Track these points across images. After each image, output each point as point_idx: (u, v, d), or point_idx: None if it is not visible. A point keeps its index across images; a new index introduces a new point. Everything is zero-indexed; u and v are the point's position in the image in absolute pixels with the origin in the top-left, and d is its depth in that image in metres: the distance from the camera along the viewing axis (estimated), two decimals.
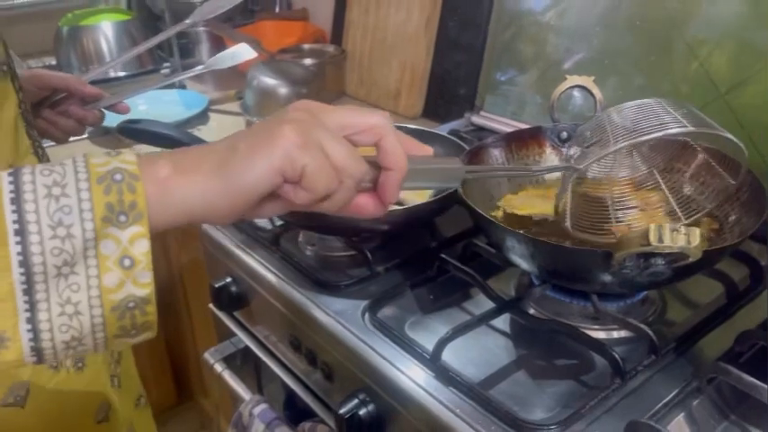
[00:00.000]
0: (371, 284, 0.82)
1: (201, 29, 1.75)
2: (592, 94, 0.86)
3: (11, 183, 0.38)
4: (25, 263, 0.37)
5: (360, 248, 0.85)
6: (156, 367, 1.41)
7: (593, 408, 0.61)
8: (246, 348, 0.96)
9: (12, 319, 0.38)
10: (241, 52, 1.02)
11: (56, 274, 0.38)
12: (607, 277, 0.64)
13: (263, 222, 0.98)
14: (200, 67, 1.05)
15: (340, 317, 0.76)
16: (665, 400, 0.62)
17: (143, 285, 0.40)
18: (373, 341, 0.72)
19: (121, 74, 1.62)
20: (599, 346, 0.67)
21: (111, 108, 0.87)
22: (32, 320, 0.38)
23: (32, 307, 0.38)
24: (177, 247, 1.28)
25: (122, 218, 0.39)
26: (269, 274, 0.86)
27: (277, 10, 1.83)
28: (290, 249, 0.90)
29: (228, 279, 0.94)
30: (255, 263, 0.88)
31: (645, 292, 0.76)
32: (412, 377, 0.67)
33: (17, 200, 0.37)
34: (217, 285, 0.93)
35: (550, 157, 0.89)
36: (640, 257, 0.60)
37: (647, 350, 0.67)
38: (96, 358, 0.71)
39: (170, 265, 1.31)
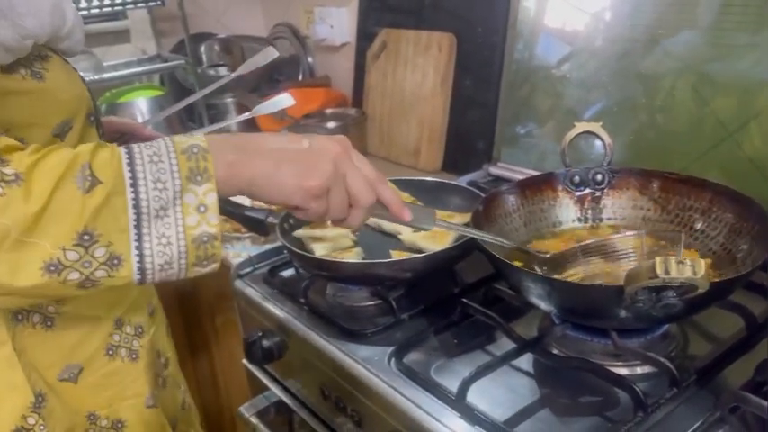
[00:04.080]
0: (397, 331, 0.84)
1: (229, 100, 1.85)
2: (601, 139, 0.90)
3: (126, 153, 0.55)
4: (137, 206, 0.54)
5: (384, 297, 0.88)
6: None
7: None
8: (279, 401, 0.98)
9: (126, 245, 0.54)
10: (282, 100, 1.15)
11: (155, 216, 0.54)
12: (622, 312, 0.66)
13: (291, 276, 1.02)
14: (247, 114, 1.18)
15: (367, 363, 0.79)
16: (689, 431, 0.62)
17: (213, 225, 0.56)
18: (400, 386, 0.74)
19: None
20: (620, 381, 0.68)
21: None
22: (139, 248, 0.55)
23: (139, 238, 0.54)
24: (211, 309, 1.32)
25: (198, 178, 0.55)
26: (298, 326, 0.89)
27: (300, 78, 1.92)
28: (317, 301, 0.93)
29: (260, 333, 0.97)
30: (285, 315, 0.92)
31: (665, 328, 0.77)
32: (439, 418, 0.69)
33: (131, 163, 0.54)
34: (249, 340, 0.96)
35: (564, 201, 0.92)
36: (652, 291, 0.62)
37: (669, 383, 0.68)
38: (149, 357, 0.78)
39: (204, 328, 1.35)
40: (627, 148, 1.07)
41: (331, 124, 1.55)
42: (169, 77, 1.95)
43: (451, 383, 0.72)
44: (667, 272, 0.57)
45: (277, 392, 0.98)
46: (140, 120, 1.71)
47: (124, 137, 0.98)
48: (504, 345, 0.79)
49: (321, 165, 0.60)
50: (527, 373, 0.76)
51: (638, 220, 0.89)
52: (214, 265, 0.59)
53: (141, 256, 0.55)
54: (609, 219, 0.91)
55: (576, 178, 0.92)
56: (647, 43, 1.05)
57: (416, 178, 1.07)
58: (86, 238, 0.53)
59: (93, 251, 0.53)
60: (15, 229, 0.51)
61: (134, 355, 0.76)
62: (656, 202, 0.88)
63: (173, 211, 0.55)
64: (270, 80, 1.92)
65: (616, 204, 0.91)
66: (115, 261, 0.54)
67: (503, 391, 0.73)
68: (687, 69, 1.00)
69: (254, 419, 0.99)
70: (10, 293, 0.54)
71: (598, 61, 1.13)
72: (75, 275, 0.54)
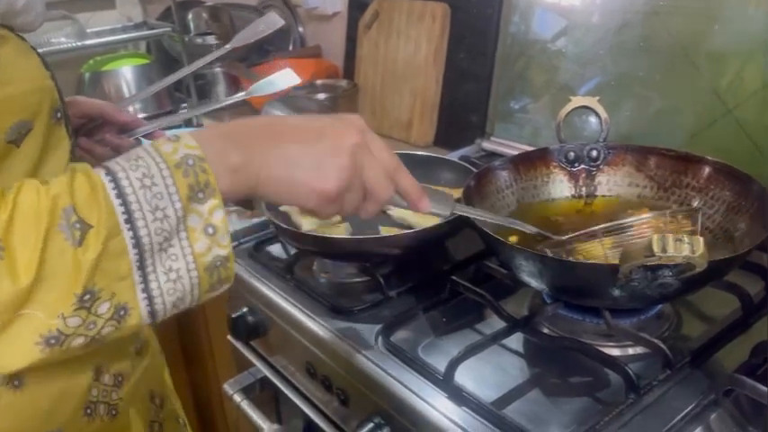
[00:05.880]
0: (384, 309, 0.82)
1: (218, 70, 1.80)
2: (597, 114, 0.88)
3: (111, 181, 0.45)
4: (138, 245, 0.45)
5: (372, 273, 0.86)
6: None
7: (607, 423, 0.60)
8: (265, 378, 0.97)
9: (131, 292, 0.46)
10: (285, 78, 0.97)
11: (159, 250, 0.46)
12: (616, 291, 0.64)
13: (277, 252, 0.99)
14: (241, 94, 1.02)
15: (354, 342, 0.77)
16: (681, 414, 0.61)
17: (224, 246, 0.49)
18: (387, 364, 0.72)
19: (141, 115, 1.66)
20: (612, 362, 0.67)
21: (148, 137, 0.85)
22: (146, 290, 0.47)
23: (145, 279, 0.46)
24: None
25: (200, 194, 0.47)
26: (283, 302, 0.87)
27: (291, 48, 1.87)
28: (303, 277, 0.91)
29: (245, 309, 0.95)
30: (270, 291, 0.89)
31: (659, 308, 0.75)
32: (426, 399, 0.67)
33: (121, 194, 0.45)
34: (234, 316, 0.94)
35: (558, 178, 0.90)
36: (648, 270, 0.60)
37: (662, 365, 0.66)
38: (129, 407, 0.67)
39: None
40: (622, 124, 1.04)
41: (321, 96, 1.51)
42: (155, 45, 1.90)
43: (439, 363, 0.70)
44: (664, 250, 0.55)
45: (262, 369, 0.96)
46: (126, 91, 1.67)
47: (93, 122, 0.83)
48: (494, 323, 0.77)
49: (338, 161, 0.51)
50: (517, 353, 0.74)
51: (634, 197, 0.87)
52: (227, 285, 0.51)
53: (150, 298, 0.47)
54: (603, 196, 0.89)
55: (571, 154, 0.90)
56: (647, 16, 1.02)
57: (407, 152, 1.05)
58: (87, 297, 0.44)
59: (96, 309, 0.45)
60: (4, 313, 0.43)
61: (113, 411, 0.64)
62: (651, 179, 0.86)
63: (177, 240, 0.47)
64: (259, 50, 1.88)
65: (611, 181, 0.89)
66: (122, 312, 0.46)
67: (491, 370, 0.71)
68: (686, 42, 0.98)
69: (238, 396, 0.97)
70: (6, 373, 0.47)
71: (595, 35, 1.10)
72: (79, 341, 0.46)
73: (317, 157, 0.51)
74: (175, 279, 0.47)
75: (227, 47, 1.02)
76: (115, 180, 0.45)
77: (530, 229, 0.73)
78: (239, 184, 0.50)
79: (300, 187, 0.51)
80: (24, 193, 0.44)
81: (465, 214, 0.69)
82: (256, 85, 0.98)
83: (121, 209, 0.45)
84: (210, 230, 0.48)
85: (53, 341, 0.44)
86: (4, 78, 0.52)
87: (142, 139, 0.86)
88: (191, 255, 0.47)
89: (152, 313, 0.48)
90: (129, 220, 0.45)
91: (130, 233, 0.45)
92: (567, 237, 0.72)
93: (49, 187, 0.45)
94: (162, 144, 0.48)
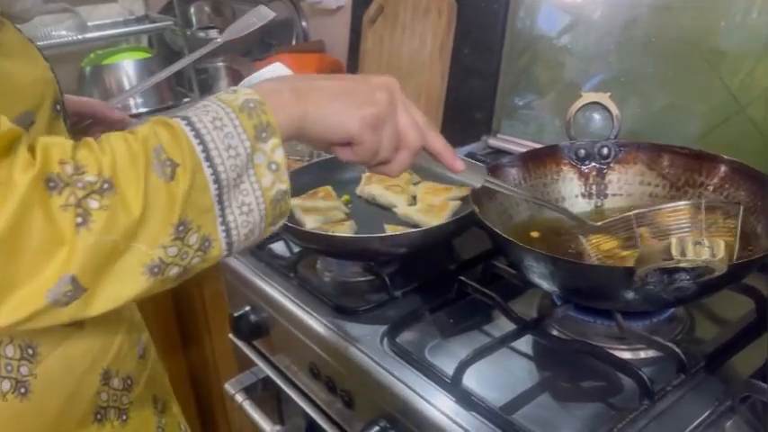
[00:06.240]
0: (390, 309, 0.81)
1: (220, 64, 1.78)
2: (608, 111, 0.86)
3: (187, 125, 0.48)
4: (217, 180, 0.48)
5: (377, 273, 0.84)
6: (179, 399, 1.40)
7: (621, 430, 0.59)
8: (267, 378, 0.95)
9: (213, 224, 0.49)
10: (275, 72, 1.00)
11: (234, 185, 0.49)
12: (630, 294, 0.62)
13: (280, 250, 0.98)
14: (233, 88, 1.03)
15: (358, 343, 0.75)
16: (697, 422, 0.59)
17: (284, 181, 0.52)
18: (393, 367, 0.71)
19: (143, 109, 1.65)
20: (625, 366, 0.65)
21: None
22: (224, 223, 0.50)
23: (223, 212, 0.49)
24: (200, 280, 1.28)
25: (264, 134, 0.50)
26: (287, 302, 0.85)
27: (294, 42, 1.85)
28: (307, 276, 0.89)
29: (247, 308, 0.93)
30: (273, 290, 0.88)
31: (672, 310, 0.73)
32: (433, 403, 0.66)
33: (198, 135, 0.48)
34: (236, 315, 0.93)
35: (568, 176, 0.88)
36: (664, 273, 0.58)
37: (676, 369, 0.64)
38: (141, 411, 0.67)
39: (193, 300, 1.31)
40: (630, 121, 1.02)
41: None
42: (157, 39, 1.88)
43: (447, 365, 0.68)
44: (683, 253, 0.53)
45: (264, 369, 0.95)
46: (127, 85, 1.65)
47: (84, 121, 0.82)
48: (503, 324, 0.75)
49: (377, 93, 0.55)
50: (526, 356, 0.72)
51: (645, 196, 0.85)
52: (283, 220, 0.55)
53: (228, 230, 0.50)
54: (614, 195, 0.87)
55: (582, 152, 0.87)
56: (656, 11, 1.00)
57: None
58: (181, 228, 0.47)
59: (188, 240, 0.48)
60: (122, 241, 0.45)
61: (124, 416, 0.63)
62: (664, 177, 0.84)
63: (247, 176, 0.50)
64: (262, 44, 1.86)
65: (622, 180, 0.87)
66: (206, 244, 0.49)
67: (500, 373, 0.69)
68: (698, 38, 0.95)
69: (240, 396, 0.95)
70: (117, 305, 0.47)
71: (602, 30, 1.08)
72: (174, 270, 0.49)
73: (357, 89, 0.55)
74: (247, 212, 0.50)
75: (219, 40, 1.01)
76: (191, 124, 0.48)
77: (564, 212, 0.73)
78: (292, 118, 0.53)
79: (344, 111, 0.54)
80: (115, 139, 0.47)
81: (496, 187, 0.69)
82: (246, 80, 1.00)
83: (200, 147, 0.48)
84: (273, 167, 0.51)
85: (156, 270, 0.47)
86: (12, 67, 0.53)
87: None
88: (259, 189, 0.50)
89: (229, 244, 0.51)
90: (208, 158, 0.48)
91: (210, 170, 0.48)
92: (601, 223, 0.70)
93: (135, 134, 0.48)
94: (223, 93, 0.52)
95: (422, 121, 0.59)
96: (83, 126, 0.83)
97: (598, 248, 0.71)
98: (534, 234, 0.77)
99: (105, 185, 0.45)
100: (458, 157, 0.62)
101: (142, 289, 0.47)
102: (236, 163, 0.49)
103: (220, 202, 0.49)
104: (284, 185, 0.52)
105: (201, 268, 0.51)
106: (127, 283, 0.47)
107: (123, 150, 0.46)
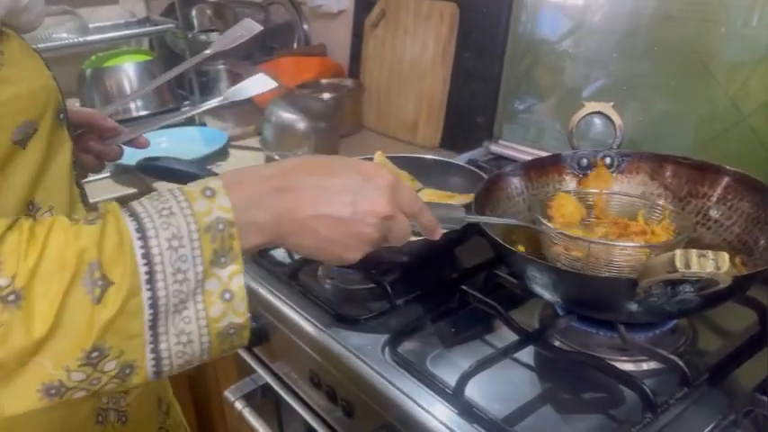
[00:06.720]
0: (391, 318, 0.80)
1: (221, 66, 1.78)
2: (611, 120, 0.85)
3: (139, 238, 0.44)
4: (154, 305, 0.44)
5: (379, 281, 0.84)
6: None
7: None
8: (267, 385, 0.95)
9: (140, 351, 0.44)
10: (259, 83, 0.98)
11: (173, 311, 0.45)
12: (633, 306, 0.62)
13: (281, 256, 0.97)
14: (217, 99, 1.01)
15: (359, 352, 0.75)
16: None
17: (240, 314, 0.47)
18: (394, 376, 0.70)
19: (143, 112, 1.64)
20: (628, 378, 0.65)
21: (131, 143, 0.85)
22: (155, 350, 0.45)
23: (155, 339, 0.45)
24: None
25: (223, 259, 0.46)
26: (287, 309, 0.85)
27: (295, 46, 1.85)
28: (308, 283, 0.89)
29: (248, 315, 0.93)
30: (274, 297, 0.87)
31: (674, 321, 0.73)
32: (434, 414, 0.65)
33: (147, 254, 0.43)
34: None
35: (570, 185, 0.87)
36: (667, 285, 0.58)
37: (679, 382, 0.64)
38: (140, 413, 0.68)
39: None
40: (630, 129, 1.01)
41: (326, 95, 1.49)
42: (158, 42, 1.88)
43: (448, 375, 0.68)
44: (688, 266, 0.53)
45: (264, 376, 0.94)
46: (128, 88, 1.65)
47: (79, 129, 0.81)
48: (505, 334, 0.75)
49: (365, 236, 0.52)
50: (527, 366, 0.72)
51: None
52: (238, 350, 0.53)
53: (158, 359, 0.45)
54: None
55: (584, 161, 0.87)
56: (658, 20, 1.00)
57: (415, 155, 1.03)
58: (95, 354, 0.43)
59: (102, 366, 0.43)
60: (13, 361, 0.41)
61: (123, 418, 0.64)
62: (667, 188, 0.84)
63: (192, 302, 0.45)
64: (263, 47, 1.86)
65: (624, 190, 0.87)
66: (127, 371, 0.45)
67: (501, 384, 0.69)
68: (700, 46, 0.95)
69: (239, 403, 0.95)
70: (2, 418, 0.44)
71: (604, 36, 1.07)
72: (80, 394, 0.44)
73: (346, 233, 0.51)
74: (186, 342, 0.46)
75: (207, 52, 0.98)
76: (144, 238, 0.44)
77: (544, 227, 0.72)
78: (263, 241, 0.49)
79: (323, 256, 0.53)
80: (54, 235, 0.43)
81: (477, 221, 0.69)
82: (232, 90, 0.98)
83: (145, 269, 0.43)
84: (227, 296, 0.46)
85: (53, 392, 0.43)
86: (13, 76, 0.51)
87: (124, 146, 0.84)
88: (204, 319, 0.46)
89: (157, 373, 0.46)
90: (150, 281, 0.44)
91: (149, 293, 0.44)
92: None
93: (78, 232, 0.43)
94: (197, 198, 0.46)
95: (415, 210, 0.56)
96: (76, 134, 0.81)
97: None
98: (520, 248, 0.76)
99: (11, 297, 0.40)
100: (438, 227, 0.60)
101: (34, 408, 0.43)
102: (182, 288, 0.44)
103: (154, 328, 0.44)
104: (240, 319, 0.47)
105: (118, 391, 0.48)
106: (18, 399, 0.42)
107: (54, 255, 0.42)
